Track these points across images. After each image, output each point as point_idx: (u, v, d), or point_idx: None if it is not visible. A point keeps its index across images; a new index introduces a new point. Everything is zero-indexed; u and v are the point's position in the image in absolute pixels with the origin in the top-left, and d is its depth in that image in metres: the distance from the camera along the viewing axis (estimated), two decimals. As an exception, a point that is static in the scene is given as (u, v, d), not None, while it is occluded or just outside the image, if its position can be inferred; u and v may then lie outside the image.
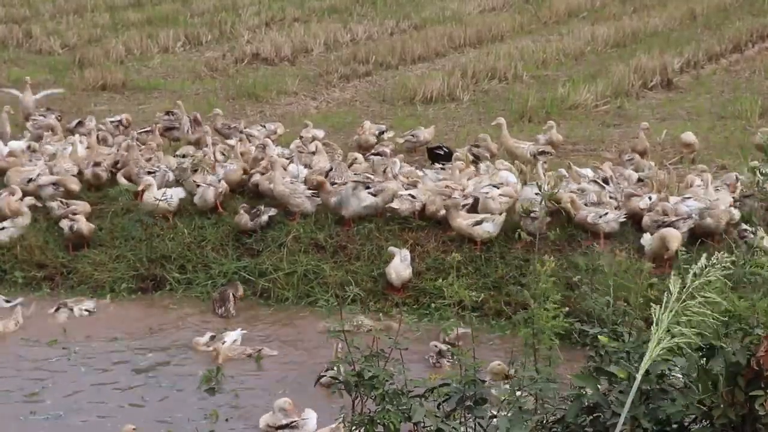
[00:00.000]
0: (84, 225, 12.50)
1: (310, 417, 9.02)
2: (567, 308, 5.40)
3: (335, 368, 5.76)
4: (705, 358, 4.45)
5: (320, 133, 15.41)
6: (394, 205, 12.34)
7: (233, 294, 11.68)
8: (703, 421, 4.48)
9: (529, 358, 5.38)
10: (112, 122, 16.02)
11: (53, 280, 12.44)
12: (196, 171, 13.25)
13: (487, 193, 12.20)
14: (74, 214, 12.62)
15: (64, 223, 12.57)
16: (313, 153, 14.02)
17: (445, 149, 14.63)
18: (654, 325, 4.07)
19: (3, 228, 12.74)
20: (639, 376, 3.99)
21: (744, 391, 4.23)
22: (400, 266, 11.53)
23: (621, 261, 6.40)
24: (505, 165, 13.54)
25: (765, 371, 4.16)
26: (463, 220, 11.88)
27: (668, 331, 4.03)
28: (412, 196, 12.38)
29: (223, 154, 14.19)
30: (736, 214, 11.66)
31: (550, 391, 5.00)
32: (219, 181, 13.02)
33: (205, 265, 12.38)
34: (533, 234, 11.58)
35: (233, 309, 11.57)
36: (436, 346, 10.27)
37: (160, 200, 12.74)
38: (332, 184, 12.66)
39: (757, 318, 4.42)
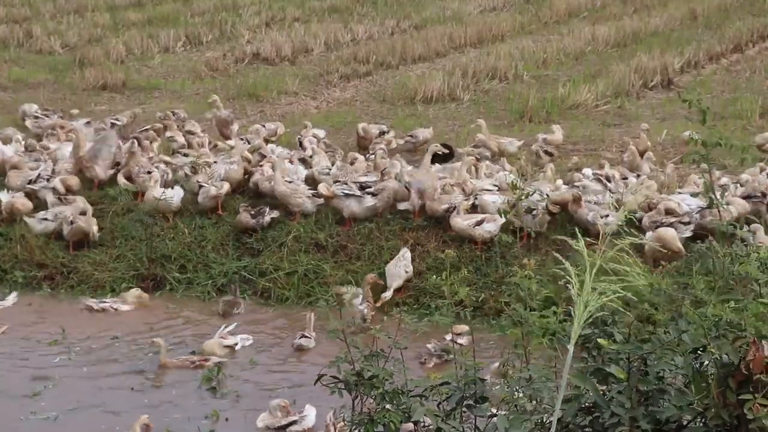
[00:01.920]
0: (90, 224, 12.54)
1: (309, 413, 9.07)
2: (554, 307, 5.36)
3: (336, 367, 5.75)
4: (698, 360, 4.47)
5: (321, 133, 15.43)
6: (404, 206, 12.44)
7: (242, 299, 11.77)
8: (699, 421, 4.49)
9: (521, 358, 5.37)
10: (113, 123, 16.03)
11: (53, 279, 12.44)
12: (195, 172, 13.27)
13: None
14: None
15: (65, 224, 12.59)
16: (311, 156, 14.06)
17: (445, 149, 14.64)
18: (577, 288, 4.01)
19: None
20: (571, 348, 3.95)
21: (735, 393, 4.25)
22: (395, 269, 11.53)
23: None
24: (507, 165, 13.55)
25: (754, 375, 4.17)
26: (463, 221, 11.89)
27: (594, 290, 3.97)
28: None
29: (223, 154, 14.20)
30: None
31: (547, 391, 4.99)
32: (220, 180, 13.05)
33: (206, 264, 12.39)
34: (531, 232, 11.74)
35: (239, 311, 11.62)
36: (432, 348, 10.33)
37: (160, 199, 12.75)
38: (335, 182, 12.77)
39: (745, 321, 4.43)
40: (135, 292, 11.88)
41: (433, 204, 12.30)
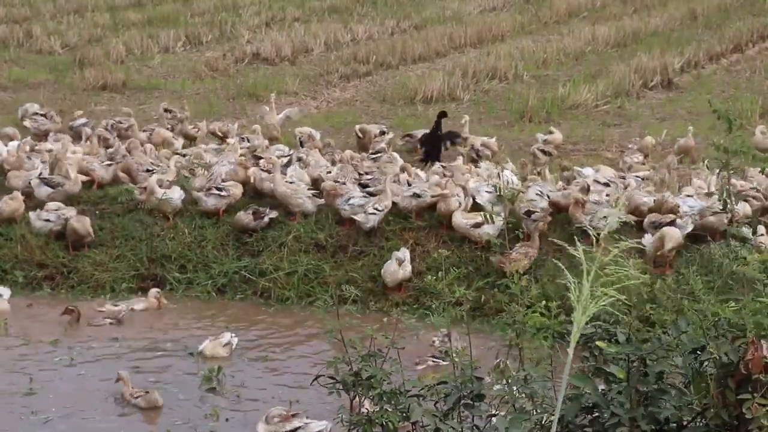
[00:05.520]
0: (80, 223, 12.48)
1: (313, 424, 8.94)
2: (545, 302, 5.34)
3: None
4: (698, 360, 4.47)
5: (317, 134, 15.39)
6: (399, 201, 12.40)
7: None
8: (699, 421, 4.49)
9: (515, 358, 5.37)
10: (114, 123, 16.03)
11: (54, 279, 12.44)
12: (192, 171, 13.28)
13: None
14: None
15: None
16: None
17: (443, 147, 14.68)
18: (575, 294, 4.00)
19: None
20: (571, 351, 3.94)
21: (734, 392, 4.25)
22: (393, 267, 11.52)
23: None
24: (508, 165, 13.56)
25: (753, 375, 4.18)
26: (463, 218, 11.88)
27: (592, 296, 3.97)
28: (417, 195, 12.40)
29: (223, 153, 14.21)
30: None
31: (545, 390, 4.99)
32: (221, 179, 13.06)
33: (206, 264, 12.39)
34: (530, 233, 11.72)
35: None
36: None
37: (161, 199, 12.75)
38: (335, 182, 12.76)
39: (744, 320, 4.44)
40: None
41: (443, 205, 12.18)
